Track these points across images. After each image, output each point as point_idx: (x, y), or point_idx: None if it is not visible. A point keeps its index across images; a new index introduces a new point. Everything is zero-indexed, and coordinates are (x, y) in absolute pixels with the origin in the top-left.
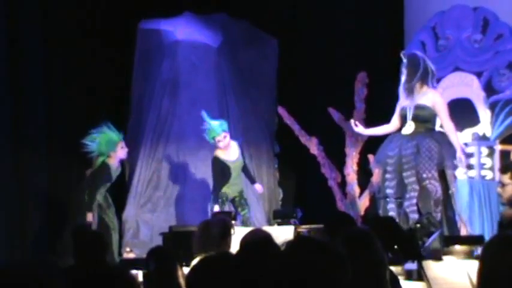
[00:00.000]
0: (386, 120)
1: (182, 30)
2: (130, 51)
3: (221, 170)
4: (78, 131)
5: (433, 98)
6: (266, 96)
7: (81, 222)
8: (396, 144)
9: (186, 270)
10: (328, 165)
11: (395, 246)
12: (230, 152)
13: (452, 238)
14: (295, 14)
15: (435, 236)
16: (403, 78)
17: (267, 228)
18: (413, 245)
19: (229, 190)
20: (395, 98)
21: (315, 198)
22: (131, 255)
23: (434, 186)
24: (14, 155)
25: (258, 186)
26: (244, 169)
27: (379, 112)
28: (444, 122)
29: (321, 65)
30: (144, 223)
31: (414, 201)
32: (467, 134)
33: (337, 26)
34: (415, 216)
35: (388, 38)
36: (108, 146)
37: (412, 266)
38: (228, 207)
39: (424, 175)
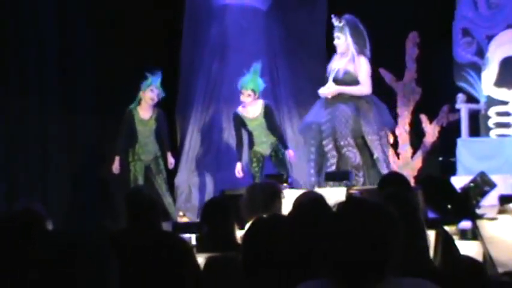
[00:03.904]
0: (438, 79)
1: None
2: (180, 15)
3: (240, 125)
4: (127, 97)
5: (360, 62)
6: (316, 58)
7: (135, 186)
8: (313, 112)
9: (239, 233)
10: None
11: (449, 206)
12: (249, 109)
13: (508, 197)
14: None
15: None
16: (348, 38)
17: (319, 190)
18: (467, 204)
19: (260, 148)
20: (446, 58)
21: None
22: (184, 220)
23: (353, 153)
24: (64, 120)
25: (290, 152)
26: (274, 132)
27: (431, 72)
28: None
29: (371, 25)
30: (196, 187)
31: (333, 168)
32: None
33: None
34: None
35: None
36: (141, 86)
37: (466, 225)
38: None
39: (342, 142)
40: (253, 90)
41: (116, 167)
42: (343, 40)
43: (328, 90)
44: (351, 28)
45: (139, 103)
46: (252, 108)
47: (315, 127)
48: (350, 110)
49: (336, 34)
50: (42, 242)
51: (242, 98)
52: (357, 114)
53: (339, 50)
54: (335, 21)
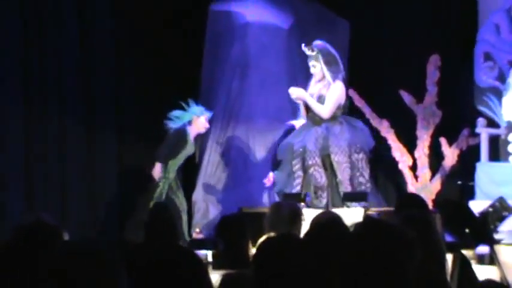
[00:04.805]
0: (459, 103)
1: (253, 11)
2: (201, 32)
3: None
4: (148, 113)
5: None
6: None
7: (159, 203)
8: (291, 135)
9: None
10: (399, 148)
11: (467, 230)
12: None
13: None
14: None
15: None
16: (323, 66)
17: (336, 210)
18: (485, 229)
19: None
20: (468, 81)
21: (386, 181)
22: (200, 236)
23: (319, 173)
24: (84, 135)
25: None
26: None
27: (452, 95)
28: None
29: (393, 47)
30: (213, 204)
31: (298, 188)
32: None
33: (410, 7)
34: None
35: (462, 20)
36: (194, 110)
37: (483, 250)
38: None
39: (310, 162)
40: None
41: (157, 173)
42: (319, 68)
43: (296, 91)
44: (323, 55)
45: (189, 124)
46: None
47: (289, 149)
48: (320, 130)
49: (312, 63)
50: (55, 252)
51: None
52: (327, 134)
53: (316, 77)
54: (307, 50)
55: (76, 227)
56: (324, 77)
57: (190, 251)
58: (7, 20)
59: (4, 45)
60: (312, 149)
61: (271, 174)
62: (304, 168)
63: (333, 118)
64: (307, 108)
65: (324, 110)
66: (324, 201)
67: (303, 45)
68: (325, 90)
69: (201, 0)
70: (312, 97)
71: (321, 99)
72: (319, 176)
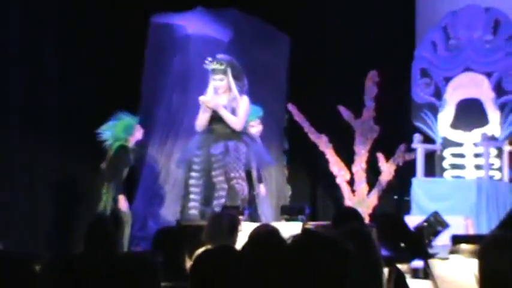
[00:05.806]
0: (396, 118)
1: (193, 24)
2: (142, 45)
3: None
4: (89, 124)
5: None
6: (276, 93)
7: (98, 213)
8: (204, 143)
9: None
10: (337, 163)
11: (402, 244)
12: None
13: (460, 237)
14: (307, 12)
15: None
16: (230, 81)
17: (274, 224)
18: (420, 243)
19: None
20: (405, 97)
21: (324, 195)
22: (138, 249)
23: (242, 186)
24: (25, 146)
25: (262, 188)
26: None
27: (389, 111)
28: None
29: (332, 63)
30: (151, 217)
31: (223, 200)
32: (477, 134)
33: (349, 24)
34: None
35: (399, 37)
36: (126, 130)
37: (418, 264)
38: None
39: (232, 174)
40: (259, 118)
41: (124, 206)
42: (225, 81)
43: (213, 100)
44: (232, 69)
45: (126, 141)
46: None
47: (204, 158)
48: (243, 146)
49: (219, 76)
50: None
51: (254, 130)
52: (249, 150)
53: (220, 91)
54: (213, 64)
55: (17, 240)
56: (229, 90)
57: (139, 256)
58: None
59: None
60: (235, 164)
61: None
62: (227, 181)
63: (244, 132)
64: (212, 119)
65: (239, 122)
66: (247, 213)
67: (209, 59)
68: (235, 103)
69: (142, 12)
70: (226, 109)
71: (234, 112)
72: (241, 188)
